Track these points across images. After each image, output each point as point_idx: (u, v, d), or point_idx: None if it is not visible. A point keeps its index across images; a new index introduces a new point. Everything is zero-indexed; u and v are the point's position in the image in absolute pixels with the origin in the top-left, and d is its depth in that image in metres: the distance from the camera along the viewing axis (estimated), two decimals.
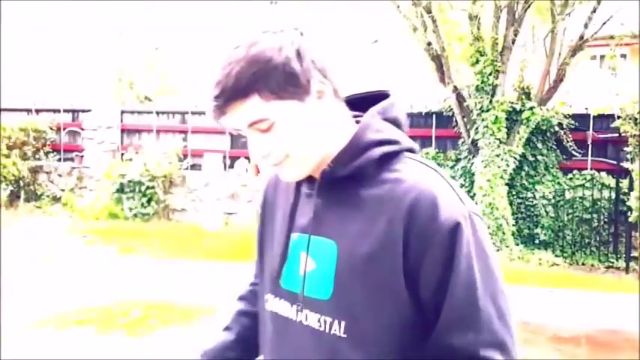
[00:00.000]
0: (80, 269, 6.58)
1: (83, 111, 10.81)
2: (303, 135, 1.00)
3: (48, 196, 10.23)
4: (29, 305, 5.47)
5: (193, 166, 9.89)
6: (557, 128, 8.03)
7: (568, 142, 8.01)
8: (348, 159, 1.02)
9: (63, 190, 10.25)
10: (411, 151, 1.06)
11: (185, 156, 9.87)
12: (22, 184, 9.99)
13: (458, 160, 8.54)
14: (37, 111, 10.98)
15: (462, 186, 8.34)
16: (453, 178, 8.40)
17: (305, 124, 0.99)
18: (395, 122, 1.08)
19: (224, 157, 9.76)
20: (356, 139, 1.02)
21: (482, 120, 7.74)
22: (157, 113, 10.36)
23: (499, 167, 7.67)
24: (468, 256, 0.95)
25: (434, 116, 8.84)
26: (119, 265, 6.76)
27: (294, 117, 0.98)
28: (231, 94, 0.94)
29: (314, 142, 1.01)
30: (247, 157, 9.45)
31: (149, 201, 9.41)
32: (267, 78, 0.95)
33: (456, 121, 8.40)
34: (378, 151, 1.02)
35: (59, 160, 10.63)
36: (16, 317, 5.26)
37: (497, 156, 7.67)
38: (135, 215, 9.35)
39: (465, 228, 0.95)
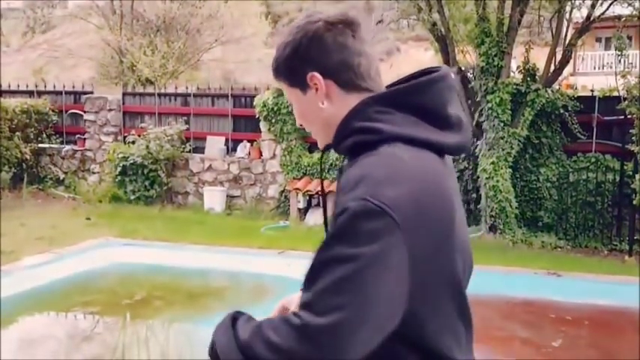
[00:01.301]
0: (84, 252, 6.60)
1: (84, 93, 10.76)
2: (304, 118, 1.23)
3: (51, 179, 10.23)
4: (33, 287, 5.49)
5: (196, 149, 9.86)
6: (562, 110, 7.97)
7: (573, 124, 7.96)
8: (336, 142, 1.16)
9: (66, 173, 10.25)
10: (398, 139, 1.08)
11: (187, 139, 9.84)
12: (24, 166, 9.98)
13: None
14: (39, 93, 10.93)
15: (465, 169, 8.32)
16: (457, 160, 8.37)
17: (304, 110, 1.21)
18: (408, 107, 1.12)
19: (226, 140, 9.73)
20: (341, 126, 1.14)
21: (487, 102, 7.68)
22: (159, 95, 10.31)
23: (503, 150, 7.63)
24: (335, 235, 1.01)
25: None
26: (122, 247, 6.77)
27: (297, 102, 1.21)
28: (273, 74, 1.24)
29: (314, 125, 1.21)
30: (250, 140, 9.42)
31: (152, 184, 9.40)
32: (279, 68, 1.21)
33: (461, 103, 8.33)
34: (351, 140, 1.12)
35: (62, 142, 10.61)
36: (19, 299, 5.28)
37: (502, 138, 7.62)
38: (138, 198, 9.35)
39: (364, 215, 0.99)
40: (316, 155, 8.59)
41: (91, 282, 6.03)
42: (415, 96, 1.12)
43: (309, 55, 1.15)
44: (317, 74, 1.15)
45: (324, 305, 0.97)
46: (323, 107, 1.16)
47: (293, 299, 1.28)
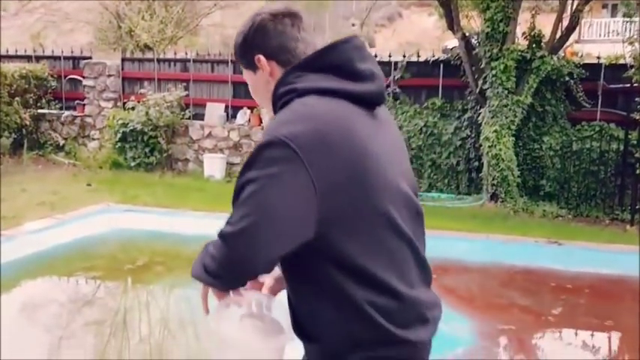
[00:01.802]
0: (85, 217, 6.60)
1: (83, 58, 10.62)
2: (256, 93, 1.50)
3: (51, 145, 10.17)
4: (35, 251, 5.51)
5: (195, 116, 9.77)
6: (567, 78, 7.87)
7: (578, 92, 7.86)
8: (274, 109, 1.39)
9: (66, 139, 10.18)
10: (311, 92, 1.31)
11: (187, 105, 9.74)
12: (24, 132, 9.91)
13: (465, 111, 8.40)
14: (37, 58, 10.80)
15: (467, 137, 8.25)
16: (459, 129, 8.31)
17: (256, 87, 1.48)
18: (320, 68, 1.35)
19: (226, 107, 9.64)
20: (273, 95, 1.39)
21: (492, 69, 7.56)
22: (158, 61, 10.18)
23: (506, 118, 7.55)
24: (245, 164, 1.28)
25: (441, 65, 8.65)
26: (123, 213, 6.77)
27: (250, 81, 1.49)
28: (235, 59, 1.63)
29: (264, 99, 1.45)
30: (250, 107, 9.33)
31: (152, 151, 9.35)
32: (237, 53, 1.49)
33: (464, 70, 8.23)
34: (279, 104, 1.36)
35: (61, 108, 10.51)
36: (21, 264, 5.30)
37: (505, 106, 7.53)
38: (138, 165, 9.31)
39: (266, 145, 1.24)
40: None
41: (93, 247, 6.04)
42: (325, 57, 1.36)
43: (254, 42, 1.42)
44: (262, 56, 1.41)
45: (235, 218, 1.24)
46: (269, 83, 1.41)
47: None
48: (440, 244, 6.02)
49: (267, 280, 1.46)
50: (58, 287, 5.15)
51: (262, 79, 1.43)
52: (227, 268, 1.27)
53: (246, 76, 1.50)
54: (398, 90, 8.71)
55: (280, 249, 1.24)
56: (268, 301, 1.42)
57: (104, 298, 4.99)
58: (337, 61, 1.35)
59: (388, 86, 8.75)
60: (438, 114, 8.50)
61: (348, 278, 1.27)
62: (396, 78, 8.69)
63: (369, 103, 1.37)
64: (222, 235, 1.26)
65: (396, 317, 1.29)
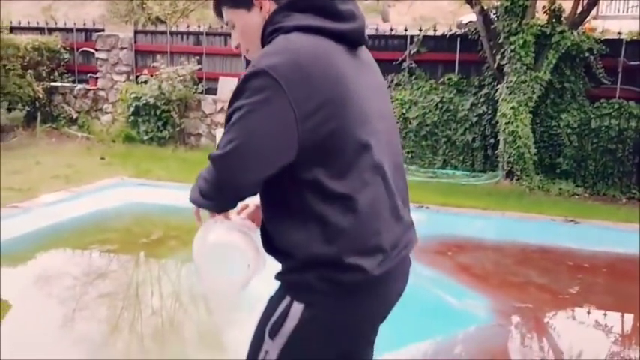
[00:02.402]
0: (100, 191, 6.61)
1: (96, 30, 10.54)
2: (245, 35, 1.52)
3: (64, 118, 10.16)
4: (50, 224, 5.53)
5: (208, 90, 9.71)
6: (587, 54, 7.70)
7: (597, 69, 7.70)
8: (263, 45, 1.45)
9: (79, 112, 10.17)
10: (295, 29, 1.39)
11: (200, 79, 9.67)
12: (38, 105, 9.89)
13: (481, 87, 8.27)
14: (49, 30, 10.73)
15: (484, 113, 8.13)
16: (476, 105, 8.18)
17: (246, 29, 1.50)
18: (304, 8, 1.42)
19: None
20: (262, 35, 1.47)
21: (510, 44, 7.40)
22: (171, 34, 10.09)
23: (524, 94, 7.41)
24: (233, 95, 1.37)
25: (458, 40, 8.49)
26: (137, 187, 6.77)
27: (240, 21, 1.50)
28: (215, 4, 1.55)
29: (252, 42, 1.50)
30: None
31: (165, 125, 9.32)
32: None
33: (482, 45, 8.07)
34: (267, 42, 1.43)
35: (73, 81, 10.48)
36: (37, 236, 5.32)
37: (523, 82, 7.39)
38: (151, 139, 9.29)
39: (250, 76, 1.34)
40: None
41: (107, 221, 6.06)
42: (303, 2, 1.43)
43: None
44: None
45: (222, 142, 1.37)
46: (262, 23, 1.46)
47: None
48: (455, 222, 6.01)
49: (250, 205, 1.63)
50: (72, 260, 5.17)
51: (256, 19, 1.47)
52: (218, 189, 1.40)
53: (236, 17, 1.51)
54: (414, 65, 8.59)
55: (265, 169, 1.35)
56: (250, 229, 1.55)
57: (117, 271, 5.01)
58: (320, 2, 1.43)
59: (404, 61, 8.62)
60: (454, 89, 8.38)
61: (321, 202, 1.36)
62: (412, 52, 8.55)
63: (350, 41, 1.46)
64: (211, 158, 1.39)
65: (356, 243, 1.37)
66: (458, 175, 8.11)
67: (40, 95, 9.77)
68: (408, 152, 8.36)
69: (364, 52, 1.52)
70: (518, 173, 7.53)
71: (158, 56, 9.84)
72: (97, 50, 10.15)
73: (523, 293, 4.40)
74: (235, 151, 1.34)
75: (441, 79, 8.48)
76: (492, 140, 8.07)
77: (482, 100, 8.19)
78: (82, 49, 10.48)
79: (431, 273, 4.69)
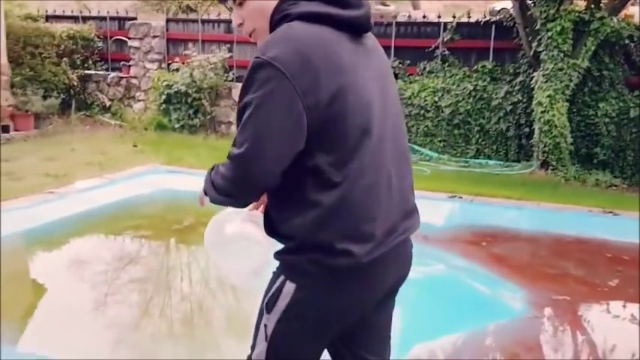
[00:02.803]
0: (132, 177, 6.68)
1: (128, 19, 10.64)
2: (255, 21, 1.51)
3: (97, 105, 10.31)
4: (84, 210, 5.61)
5: (239, 78, 9.71)
6: (627, 41, 7.45)
7: (637, 56, 7.45)
8: (271, 30, 1.46)
9: (112, 100, 10.30)
10: (299, 17, 1.41)
11: (231, 67, 9.69)
12: (72, 92, 10.05)
13: (516, 75, 8.08)
14: (84, 19, 10.87)
15: (518, 102, 7.95)
16: (510, 93, 8.00)
17: (256, 14, 1.50)
18: None
19: None
20: (270, 22, 1.48)
21: (547, 31, 7.20)
22: (203, 22, 10.11)
23: (561, 82, 7.21)
24: (242, 88, 1.40)
25: (493, 26, 8.31)
26: (169, 174, 6.82)
27: (253, 8, 1.50)
28: None
29: (263, 28, 1.50)
30: None
31: (196, 112, 9.37)
32: None
33: (517, 31, 7.87)
34: (276, 26, 1.44)
35: (107, 69, 10.61)
36: (71, 221, 5.41)
37: (561, 70, 7.19)
38: (182, 127, 9.36)
39: (256, 68, 1.36)
40: None
41: (140, 207, 6.12)
42: None
43: None
44: None
45: (239, 140, 1.39)
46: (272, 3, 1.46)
47: None
48: (489, 211, 5.89)
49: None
50: (105, 245, 5.24)
51: (269, 4, 1.48)
52: (239, 187, 1.43)
53: (251, 3, 1.52)
54: (447, 52, 8.44)
55: (283, 162, 1.37)
56: (260, 218, 1.60)
57: (148, 257, 5.05)
58: None
59: (437, 48, 8.48)
60: (488, 77, 8.21)
61: (318, 188, 1.39)
62: (445, 39, 8.40)
63: (355, 28, 1.47)
64: (231, 157, 1.42)
65: (348, 229, 1.40)
66: (491, 164, 7.97)
67: (75, 83, 9.92)
68: (440, 141, 8.24)
69: (369, 38, 1.54)
70: (554, 163, 7.36)
71: (190, 44, 9.89)
72: (129, 38, 10.24)
73: (561, 285, 4.29)
74: (252, 150, 1.36)
75: (475, 67, 8.32)
76: (527, 129, 7.90)
77: (517, 88, 8.01)
78: (115, 38, 10.59)
79: (465, 263, 4.61)
